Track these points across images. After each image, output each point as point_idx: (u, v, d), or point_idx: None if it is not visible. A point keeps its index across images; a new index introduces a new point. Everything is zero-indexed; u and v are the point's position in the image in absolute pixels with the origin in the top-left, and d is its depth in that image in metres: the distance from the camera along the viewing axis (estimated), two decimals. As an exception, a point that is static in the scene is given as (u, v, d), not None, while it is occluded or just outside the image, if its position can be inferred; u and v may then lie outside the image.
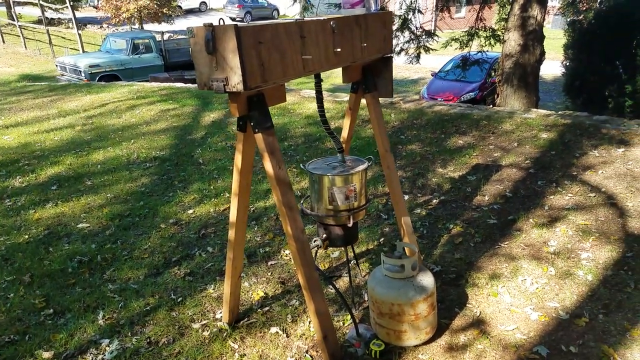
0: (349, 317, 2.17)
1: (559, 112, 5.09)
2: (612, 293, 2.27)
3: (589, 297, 2.25)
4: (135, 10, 16.73)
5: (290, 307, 2.31)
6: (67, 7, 14.46)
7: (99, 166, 4.37)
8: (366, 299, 2.31)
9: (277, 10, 25.15)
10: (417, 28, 7.15)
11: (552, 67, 11.11)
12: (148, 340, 2.12)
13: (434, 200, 3.35)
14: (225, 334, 2.13)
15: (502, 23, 7.39)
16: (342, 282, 2.49)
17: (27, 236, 3.12)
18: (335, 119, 5.32)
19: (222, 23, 1.48)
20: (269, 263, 2.70)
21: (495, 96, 6.67)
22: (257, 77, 1.52)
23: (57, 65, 11.46)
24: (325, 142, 4.62)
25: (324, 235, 2.04)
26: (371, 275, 2.05)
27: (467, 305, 2.25)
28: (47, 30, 15.31)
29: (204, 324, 2.21)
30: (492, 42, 7.30)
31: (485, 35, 7.31)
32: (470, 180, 3.63)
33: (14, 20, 17.18)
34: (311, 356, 1.99)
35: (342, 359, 1.92)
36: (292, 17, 2.00)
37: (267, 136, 1.69)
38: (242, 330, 2.16)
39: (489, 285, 2.38)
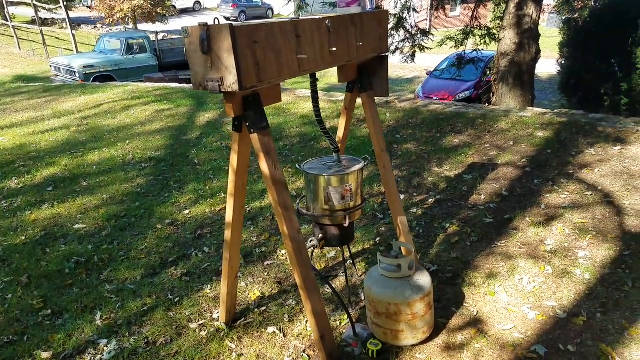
0: (346, 316, 2.17)
1: (555, 111, 5.11)
2: (609, 292, 2.27)
3: (587, 296, 2.26)
4: (129, 10, 16.64)
5: (287, 307, 2.31)
6: (60, 7, 14.36)
7: (94, 167, 4.35)
8: (363, 298, 2.31)
9: (272, 9, 25.09)
10: (412, 27, 7.16)
11: (548, 66, 11.16)
12: (146, 341, 2.12)
13: (430, 200, 3.36)
14: (222, 334, 2.13)
15: (498, 21, 7.42)
16: (339, 282, 2.49)
17: (24, 237, 3.11)
18: (331, 119, 5.31)
19: (217, 22, 1.47)
20: (266, 263, 2.70)
21: (491, 95, 6.70)
22: (252, 76, 1.52)
23: (51, 66, 11.38)
24: (320, 142, 4.62)
25: (320, 235, 2.04)
26: (368, 275, 2.05)
27: (464, 304, 2.25)
28: (41, 31, 15.20)
29: (201, 324, 2.21)
30: (488, 40, 7.33)
31: (480, 34, 7.34)
32: (466, 179, 3.64)
33: (7, 20, 17.04)
34: (308, 356, 1.99)
35: (339, 358, 1.92)
36: (287, 16, 1.99)
37: (262, 136, 1.68)
38: (240, 330, 2.15)
39: (486, 285, 2.39)
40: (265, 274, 2.60)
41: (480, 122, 4.84)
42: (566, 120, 4.63)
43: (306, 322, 2.18)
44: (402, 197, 3.41)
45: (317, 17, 1.75)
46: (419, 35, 7.17)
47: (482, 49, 7.50)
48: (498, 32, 6.50)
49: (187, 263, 2.73)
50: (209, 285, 2.51)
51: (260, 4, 25.19)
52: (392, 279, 1.94)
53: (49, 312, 2.35)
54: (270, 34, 1.56)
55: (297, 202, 2.16)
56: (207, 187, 3.78)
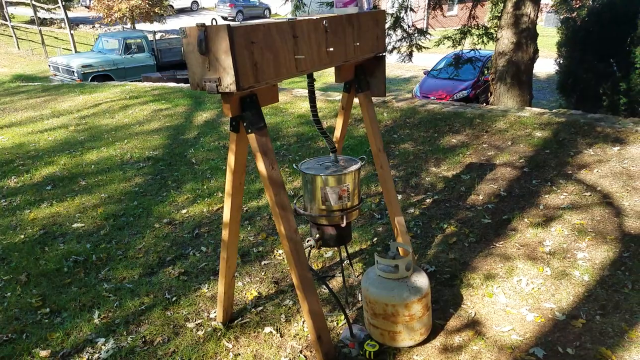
0: (343, 317, 2.17)
1: (553, 111, 5.11)
2: (609, 294, 2.27)
3: (586, 298, 2.25)
4: (127, 9, 16.62)
5: (283, 307, 2.31)
6: (59, 7, 14.34)
7: (92, 166, 4.35)
8: (360, 299, 2.31)
9: (269, 9, 25.08)
10: (409, 26, 7.16)
11: (546, 65, 11.17)
12: (143, 340, 2.12)
13: (428, 200, 3.36)
14: (219, 334, 2.13)
15: (495, 21, 7.41)
16: (336, 282, 2.49)
17: (23, 236, 3.11)
18: (328, 118, 5.31)
19: (214, 23, 1.47)
20: (263, 263, 2.70)
21: (489, 94, 6.70)
22: (249, 77, 1.52)
23: (50, 66, 11.37)
24: (317, 142, 4.62)
25: (317, 235, 2.04)
26: (365, 276, 2.05)
27: (462, 305, 2.25)
28: (40, 31, 15.18)
29: (199, 323, 2.21)
30: (485, 40, 7.33)
31: (478, 33, 7.33)
32: (464, 180, 3.64)
33: (6, 20, 17.01)
34: (305, 356, 1.99)
35: (336, 359, 1.92)
36: (284, 16, 1.99)
37: (260, 136, 1.68)
38: (236, 330, 2.16)
39: (484, 286, 2.39)
40: (262, 273, 2.60)
41: (478, 122, 4.84)
42: (565, 120, 4.63)
43: (303, 322, 2.18)
44: (399, 197, 3.41)
45: (315, 18, 1.75)
46: (416, 35, 7.16)
47: (480, 49, 7.49)
48: (496, 31, 6.50)
49: (185, 262, 2.73)
50: (206, 285, 2.51)
51: (258, 4, 25.18)
52: (389, 279, 1.94)
53: (47, 311, 2.35)
54: (268, 34, 1.56)
55: (295, 202, 2.16)
56: (205, 187, 3.77)
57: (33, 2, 15.54)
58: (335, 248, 2.41)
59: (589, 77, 7.15)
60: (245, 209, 3.34)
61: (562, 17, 8.54)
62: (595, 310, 2.17)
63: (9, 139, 5.33)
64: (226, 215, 1.93)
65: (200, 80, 1.54)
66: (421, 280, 1.97)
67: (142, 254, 2.84)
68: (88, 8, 21.11)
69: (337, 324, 2.18)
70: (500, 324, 2.12)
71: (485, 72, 8.69)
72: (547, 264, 2.53)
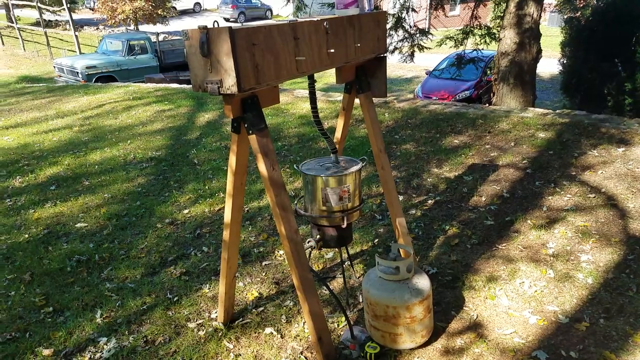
0: (344, 318, 2.17)
1: (557, 111, 5.08)
2: (613, 297, 2.25)
3: (590, 301, 2.23)
4: (131, 11, 16.71)
5: (284, 308, 2.31)
6: (64, 9, 14.44)
7: (96, 166, 4.37)
8: (361, 300, 2.31)
9: (271, 10, 25.15)
10: (411, 26, 7.14)
11: (549, 65, 11.11)
12: (145, 339, 2.13)
13: (430, 201, 3.35)
14: (220, 334, 2.14)
15: (498, 21, 7.39)
16: (337, 283, 2.49)
17: (27, 235, 3.14)
18: (329, 119, 5.31)
19: (216, 25, 1.48)
20: (263, 263, 2.71)
21: (492, 95, 6.67)
22: (250, 79, 1.52)
23: (55, 67, 11.45)
24: (318, 142, 4.62)
25: (318, 236, 2.04)
26: (366, 277, 2.04)
27: (464, 308, 2.24)
28: (45, 32, 15.29)
29: (200, 323, 2.22)
30: (488, 40, 7.30)
31: (480, 34, 7.31)
32: (466, 181, 3.63)
33: (12, 22, 17.15)
34: (306, 357, 1.99)
35: (336, 360, 1.92)
36: (286, 18, 2.00)
37: (261, 137, 1.69)
38: (237, 330, 2.16)
39: (486, 288, 2.38)
40: (263, 274, 2.61)
41: (481, 123, 4.82)
42: (568, 121, 4.61)
43: (304, 323, 2.18)
44: (401, 198, 3.41)
45: (315, 19, 1.75)
46: (417, 35, 7.15)
47: (482, 49, 7.47)
48: (498, 31, 6.48)
49: (186, 262, 2.74)
50: (207, 285, 2.51)
51: (259, 5, 25.26)
52: (390, 281, 1.94)
53: (50, 310, 2.37)
54: (269, 36, 1.56)
55: (295, 202, 2.16)
56: (207, 187, 3.79)
57: (39, 5, 15.66)
58: (336, 249, 2.41)
59: (594, 77, 7.11)
60: (246, 209, 3.35)
61: (565, 16, 8.50)
62: (599, 313, 2.16)
63: (14, 139, 5.37)
64: (227, 216, 1.93)
65: (202, 82, 1.54)
66: (422, 282, 1.96)
67: (144, 254, 2.85)
68: (92, 10, 21.24)
69: (338, 325, 2.18)
70: (502, 327, 2.11)
71: (488, 72, 8.65)
72: (551, 267, 2.51)
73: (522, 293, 2.33)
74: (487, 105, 6.15)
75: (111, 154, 4.68)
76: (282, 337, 2.12)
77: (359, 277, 2.51)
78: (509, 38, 5.97)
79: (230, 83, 1.48)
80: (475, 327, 2.11)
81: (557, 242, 2.73)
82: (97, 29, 19.73)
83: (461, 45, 7.37)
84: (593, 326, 2.08)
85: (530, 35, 5.89)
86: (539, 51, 6.09)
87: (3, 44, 16.39)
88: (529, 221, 2.97)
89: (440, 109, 5.37)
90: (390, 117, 5.25)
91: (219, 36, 1.44)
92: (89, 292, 2.49)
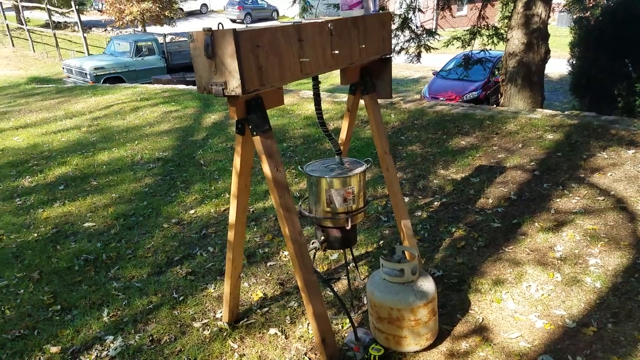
0: (348, 320, 2.16)
1: (566, 112, 5.02)
2: (622, 301, 2.21)
3: (598, 305, 2.20)
4: (138, 13, 16.86)
5: (289, 309, 2.31)
6: (73, 10, 14.62)
7: (104, 167, 4.42)
8: (365, 302, 2.30)
9: (277, 11, 25.22)
10: (417, 27, 7.11)
11: (559, 66, 10.99)
12: (150, 338, 2.14)
13: (436, 203, 3.33)
14: (225, 334, 2.15)
15: (505, 21, 7.32)
16: (341, 285, 2.49)
17: (36, 234, 3.18)
18: (334, 120, 5.31)
19: (220, 27, 1.48)
20: (268, 264, 2.71)
21: (499, 96, 6.62)
22: (255, 80, 1.53)
23: (63, 68, 11.59)
24: (324, 143, 4.62)
25: (322, 238, 2.04)
26: (370, 279, 2.04)
27: (470, 311, 2.22)
28: (54, 34, 15.49)
29: (205, 323, 2.23)
30: (495, 40, 7.23)
31: (487, 34, 7.25)
32: (473, 182, 3.60)
33: (22, 24, 17.42)
34: (309, 358, 1.99)
35: (340, 361, 1.91)
36: (292, 19, 2.00)
37: (265, 139, 1.69)
38: (242, 331, 2.17)
39: (493, 291, 2.35)
40: (268, 274, 2.61)
41: (488, 124, 4.78)
42: (577, 122, 4.55)
43: (308, 324, 2.18)
44: (406, 199, 3.39)
45: (320, 21, 1.75)
46: (424, 35, 7.11)
47: (490, 49, 7.41)
48: (506, 32, 6.42)
49: (192, 262, 2.76)
50: (212, 285, 2.53)
51: (266, 6, 25.35)
52: (394, 283, 1.93)
53: (58, 308, 2.40)
54: (273, 38, 1.57)
55: (300, 203, 2.16)
56: (212, 188, 3.81)
57: (48, 6, 15.88)
58: (341, 250, 2.40)
59: (603, 77, 7.02)
60: (251, 210, 3.36)
61: (575, 16, 8.40)
62: (607, 318, 2.13)
63: (24, 140, 5.45)
64: (232, 217, 1.94)
65: (207, 84, 1.55)
66: (427, 284, 1.95)
67: (150, 254, 2.87)
68: (100, 12, 21.50)
69: (342, 326, 2.18)
70: (508, 331, 2.09)
71: (496, 72, 8.57)
72: (558, 270, 2.49)
73: (528, 296, 2.30)
74: (494, 106, 6.10)
75: (119, 155, 4.73)
76: (286, 337, 2.12)
77: (363, 279, 2.51)
78: (516, 38, 5.92)
79: (234, 85, 1.49)
80: (481, 331, 2.10)
81: (565, 245, 2.69)
82: (105, 30, 19.96)
83: (468, 45, 7.31)
84: (601, 331, 2.05)
85: (538, 36, 5.83)
86: (547, 52, 6.03)
87: (13, 45, 16.65)
88: (536, 224, 2.93)
89: (447, 110, 5.34)
90: (397, 118, 5.23)
91: (224, 38, 1.45)
92: (96, 291, 2.52)
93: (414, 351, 1.97)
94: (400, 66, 12.62)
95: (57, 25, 18.21)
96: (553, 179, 3.54)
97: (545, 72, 6.36)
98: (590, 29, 7.41)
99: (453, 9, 7.77)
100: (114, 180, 4.09)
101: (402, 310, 1.87)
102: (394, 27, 6.99)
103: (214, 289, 2.49)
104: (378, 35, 2.08)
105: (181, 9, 20.77)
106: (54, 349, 2.11)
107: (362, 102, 2.29)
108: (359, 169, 1.99)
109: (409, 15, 6.79)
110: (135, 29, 17.27)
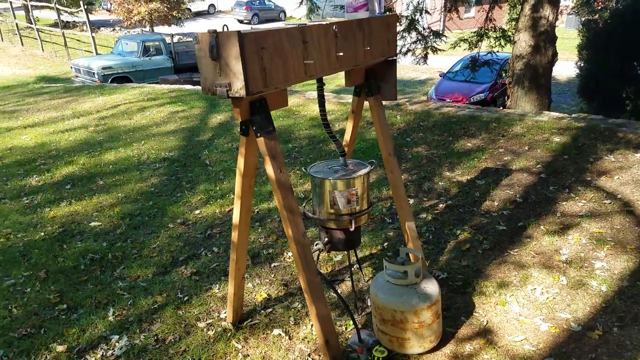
0: (352, 322, 2.16)
1: (573, 115, 4.98)
2: (627, 305, 2.19)
3: (603, 309, 2.18)
4: (146, 13, 17.00)
5: (292, 310, 2.32)
6: (81, 10, 14.78)
7: (110, 166, 4.46)
8: (369, 304, 2.30)
9: (284, 12, 25.29)
10: (424, 29, 7.09)
11: (566, 68, 10.90)
12: (155, 338, 2.16)
13: (441, 205, 3.32)
14: (229, 334, 2.15)
15: (513, 23, 7.28)
16: (345, 287, 2.48)
17: (42, 233, 3.21)
18: (340, 121, 5.31)
19: (225, 29, 1.49)
20: (272, 265, 2.72)
21: (506, 98, 6.58)
22: (259, 82, 1.54)
23: (72, 67, 11.71)
24: (329, 144, 4.62)
25: (326, 239, 2.04)
26: (374, 281, 2.04)
27: (474, 314, 2.22)
28: (63, 33, 15.66)
29: (209, 323, 2.24)
30: (503, 42, 7.19)
31: (495, 36, 7.21)
32: (478, 185, 3.58)
33: (31, 23, 17.63)
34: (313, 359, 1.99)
35: (343, 363, 1.91)
36: (298, 19, 2.01)
37: (269, 140, 1.70)
38: (246, 331, 2.17)
39: (497, 294, 2.34)
40: (272, 275, 2.62)
41: (495, 126, 4.76)
42: (584, 125, 4.51)
43: (311, 325, 2.18)
44: (411, 201, 3.38)
45: (325, 23, 1.76)
46: (431, 37, 7.09)
47: (497, 51, 7.37)
48: (513, 34, 6.38)
49: (197, 262, 2.77)
50: (217, 285, 2.54)
51: (273, 7, 25.42)
52: (398, 285, 1.92)
53: (64, 307, 2.42)
54: (278, 40, 1.57)
55: (304, 204, 2.17)
56: (218, 188, 3.82)
57: (57, 6, 16.05)
58: (345, 252, 2.40)
59: (612, 80, 6.96)
60: (256, 210, 3.37)
61: (583, 19, 8.33)
62: (612, 321, 2.11)
63: (31, 139, 5.51)
64: (236, 218, 1.95)
65: (212, 85, 1.56)
66: (431, 287, 1.94)
67: (156, 253, 2.89)
68: (109, 11, 21.70)
69: (346, 328, 2.18)
70: (512, 334, 2.08)
71: (503, 74, 8.52)
72: (563, 273, 2.47)
73: (533, 300, 2.29)
74: (501, 108, 6.08)
75: (125, 154, 4.77)
76: (290, 338, 2.12)
77: (367, 281, 2.50)
78: (523, 41, 5.88)
79: (238, 86, 1.50)
80: (485, 333, 2.09)
81: (570, 249, 2.67)
82: (113, 30, 20.15)
83: (475, 47, 7.28)
84: (606, 335, 2.03)
85: (545, 38, 5.79)
86: (555, 54, 5.98)
87: (22, 44, 16.85)
88: (542, 227, 2.91)
89: (454, 111, 5.31)
90: (402, 120, 5.22)
91: (228, 40, 1.46)
92: (102, 290, 2.54)
93: (418, 353, 1.96)
94: (407, 67, 12.60)
95: (66, 25, 18.42)
96: (559, 181, 3.51)
97: (553, 74, 6.33)
98: (598, 32, 7.35)
99: (460, 10, 7.73)
100: (120, 179, 4.12)
101: (406, 312, 1.87)
102: (400, 28, 6.98)
103: (219, 289, 2.50)
104: (383, 37, 2.08)
105: (189, 9, 20.90)
106: (60, 348, 2.13)
107: (367, 103, 2.29)
108: (363, 171, 1.99)
109: (416, 17, 6.78)
110: (143, 29, 17.41)
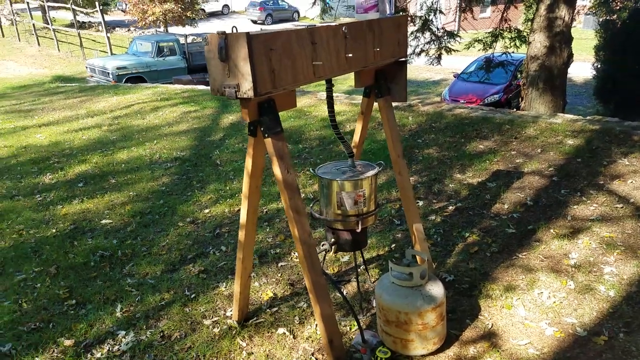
0: (356, 322, 2.16)
1: (587, 118, 4.89)
2: (635, 311, 2.16)
3: (610, 315, 2.15)
4: (161, 13, 17.23)
5: (298, 309, 2.33)
6: (97, 11, 15.06)
7: (123, 165, 4.53)
8: (374, 305, 2.30)
9: (298, 12, 25.34)
10: (438, 29, 7.03)
11: (583, 69, 10.70)
12: (162, 334, 2.19)
13: (450, 207, 3.29)
14: (234, 332, 2.17)
15: (529, 23, 7.17)
16: (351, 287, 2.49)
17: (54, 230, 3.28)
18: (351, 122, 5.30)
19: (234, 31, 1.51)
20: (279, 264, 2.73)
21: (520, 99, 6.48)
22: (267, 83, 1.55)
23: (87, 67, 11.93)
24: (340, 145, 4.59)
25: (333, 240, 2.05)
26: (379, 282, 2.03)
27: (479, 316, 2.20)
28: (79, 34, 15.97)
29: (215, 320, 2.27)
30: (518, 43, 7.09)
31: (510, 37, 7.11)
32: (489, 187, 3.54)
33: (48, 24, 18.04)
34: (316, 359, 2.00)
35: (347, 364, 1.91)
36: (311, 20, 2.02)
37: (276, 141, 1.71)
38: (251, 329, 2.19)
39: (504, 297, 2.32)
40: (279, 275, 2.63)
41: (507, 128, 4.70)
42: (599, 127, 4.42)
43: (316, 325, 2.19)
44: (420, 203, 3.36)
45: (334, 24, 1.76)
46: (445, 37, 7.03)
47: (512, 52, 7.26)
48: (528, 34, 6.29)
49: (205, 261, 2.80)
50: (224, 284, 2.56)
51: (287, 7, 25.49)
52: (403, 287, 1.92)
53: (73, 302, 2.47)
54: (286, 41, 1.58)
55: (311, 205, 2.18)
56: (227, 188, 3.86)
57: (73, 7, 16.39)
58: (352, 252, 2.40)
59: (630, 82, 6.80)
60: (265, 210, 3.39)
61: (601, 19, 8.16)
62: (619, 327, 2.07)
63: (46, 137, 5.64)
64: (243, 217, 1.97)
65: (220, 86, 1.58)
66: (436, 289, 1.93)
67: (165, 251, 2.93)
68: (124, 12, 22.07)
69: (350, 328, 2.18)
70: (517, 337, 2.06)
71: (518, 75, 8.39)
72: (571, 278, 2.43)
73: (540, 304, 2.26)
74: (515, 110, 5.99)
75: (137, 154, 4.84)
76: (294, 337, 2.13)
77: (373, 282, 2.50)
78: (538, 42, 5.79)
79: (246, 87, 1.51)
80: (490, 337, 2.07)
81: (580, 253, 2.63)
82: (128, 30, 20.48)
83: (490, 48, 7.19)
84: (612, 340, 2.00)
85: (561, 39, 5.69)
86: (570, 55, 5.88)
87: (39, 44, 17.25)
88: (552, 230, 2.87)
89: (466, 113, 5.26)
90: (414, 121, 5.19)
91: (237, 41, 1.47)
92: (111, 287, 2.59)
93: (421, 355, 1.96)
94: (421, 68, 12.50)
95: (82, 25, 18.78)
96: (571, 185, 3.45)
97: (570, 75, 6.22)
98: (616, 32, 7.20)
99: (475, 11, 7.64)
100: (132, 178, 4.19)
101: (410, 313, 1.86)
102: (414, 28, 6.94)
103: (225, 287, 2.53)
104: (393, 38, 2.07)
105: (203, 10, 21.13)
106: (67, 342, 2.17)
107: (377, 105, 2.29)
108: (371, 172, 1.99)
109: (430, 17, 6.73)
110: (158, 30, 17.66)
